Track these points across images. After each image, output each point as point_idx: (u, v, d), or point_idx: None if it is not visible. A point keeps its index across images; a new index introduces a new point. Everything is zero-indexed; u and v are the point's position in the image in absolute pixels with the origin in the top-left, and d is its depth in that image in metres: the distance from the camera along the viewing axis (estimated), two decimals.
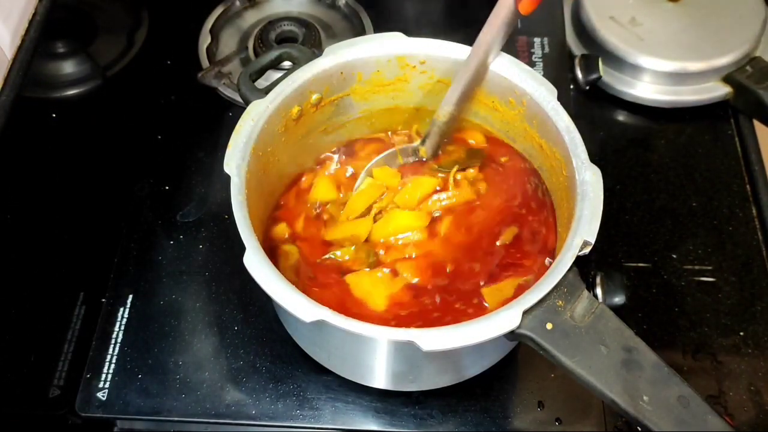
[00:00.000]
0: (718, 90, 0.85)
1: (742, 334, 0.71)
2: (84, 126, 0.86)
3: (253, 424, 0.66)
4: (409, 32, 0.68)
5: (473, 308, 0.61)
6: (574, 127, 0.62)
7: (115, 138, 0.85)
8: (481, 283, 0.63)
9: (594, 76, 0.86)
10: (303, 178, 0.71)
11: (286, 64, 0.71)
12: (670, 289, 0.74)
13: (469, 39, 0.66)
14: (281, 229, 0.67)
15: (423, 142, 0.70)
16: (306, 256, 0.65)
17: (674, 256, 0.76)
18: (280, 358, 0.69)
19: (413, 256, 0.65)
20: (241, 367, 0.68)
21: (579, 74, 0.87)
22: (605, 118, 0.88)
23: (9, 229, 0.77)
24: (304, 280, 0.63)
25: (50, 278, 0.75)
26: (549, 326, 0.53)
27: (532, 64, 0.89)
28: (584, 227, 0.56)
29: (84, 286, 0.74)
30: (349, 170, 0.71)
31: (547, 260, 0.63)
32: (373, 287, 0.63)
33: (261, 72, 0.68)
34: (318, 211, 0.68)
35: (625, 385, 0.51)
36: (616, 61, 0.86)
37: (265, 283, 0.54)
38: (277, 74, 0.68)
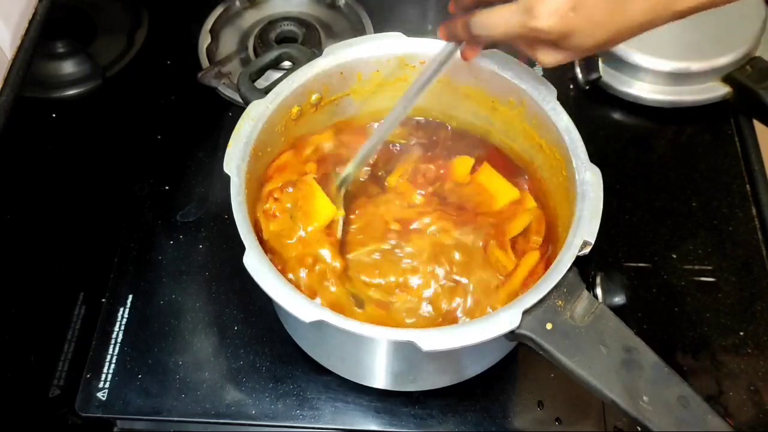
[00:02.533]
0: (718, 90, 0.85)
1: (742, 334, 0.71)
2: (84, 126, 0.86)
3: (253, 424, 0.66)
4: (409, 32, 0.68)
5: None
6: (574, 127, 0.62)
7: (115, 138, 0.85)
8: None
9: (594, 76, 0.86)
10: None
11: (286, 64, 0.71)
12: (670, 289, 0.74)
13: None
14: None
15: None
16: None
17: (674, 256, 0.76)
18: (280, 358, 0.69)
19: None
20: (241, 367, 0.68)
21: (579, 74, 0.87)
22: (605, 118, 0.88)
23: (9, 229, 0.77)
24: None
25: (50, 278, 0.75)
26: (549, 326, 0.53)
27: (532, 64, 0.89)
28: (584, 227, 0.56)
29: (84, 286, 0.74)
30: None
31: None
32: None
33: (261, 72, 0.68)
34: None
35: (625, 385, 0.51)
36: (616, 61, 0.86)
37: (264, 283, 0.54)
38: (277, 74, 0.68)
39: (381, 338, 0.54)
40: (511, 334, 0.53)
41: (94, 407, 0.66)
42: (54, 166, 0.82)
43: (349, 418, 0.66)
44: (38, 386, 0.68)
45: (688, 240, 0.77)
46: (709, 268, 0.75)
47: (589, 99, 0.88)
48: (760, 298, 0.73)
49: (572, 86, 0.87)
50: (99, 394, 0.67)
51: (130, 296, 0.72)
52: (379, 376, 0.65)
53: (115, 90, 0.89)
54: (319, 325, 0.52)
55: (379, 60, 0.68)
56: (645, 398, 0.50)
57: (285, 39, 0.91)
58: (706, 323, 0.72)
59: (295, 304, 0.53)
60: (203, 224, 0.77)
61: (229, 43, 0.93)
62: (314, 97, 0.67)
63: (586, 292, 0.54)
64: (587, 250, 0.55)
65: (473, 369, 0.66)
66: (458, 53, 0.60)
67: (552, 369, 0.66)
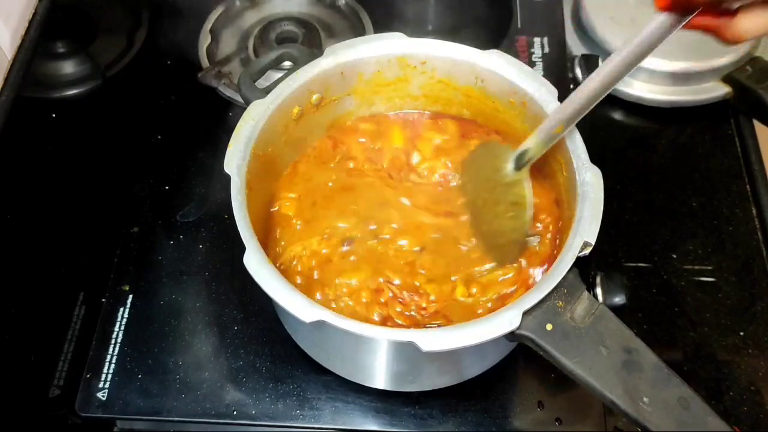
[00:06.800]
0: (718, 90, 0.85)
1: (742, 334, 0.71)
2: (84, 126, 0.86)
3: (253, 424, 0.66)
4: (409, 32, 0.68)
5: None
6: (575, 127, 0.62)
7: (115, 138, 0.85)
8: None
9: None
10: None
11: (287, 64, 0.71)
12: (670, 289, 0.74)
13: (469, 39, 0.66)
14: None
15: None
16: None
17: (674, 256, 0.76)
18: (280, 358, 0.69)
19: None
20: (241, 367, 0.68)
21: (579, 74, 0.87)
22: (605, 118, 0.88)
23: (9, 229, 0.77)
24: None
25: (50, 278, 0.75)
26: (549, 327, 0.53)
27: (532, 64, 0.89)
28: (584, 228, 0.56)
29: (84, 286, 0.74)
30: None
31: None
32: None
33: (261, 72, 0.68)
34: None
35: (625, 387, 0.51)
36: None
37: (264, 283, 0.54)
38: (278, 74, 0.68)
39: (381, 338, 0.54)
40: (512, 335, 0.53)
41: (94, 407, 0.66)
42: (54, 166, 0.82)
43: (349, 418, 0.66)
44: (38, 386, 0.68)
45: (688, 240, 0.77)
46: (709, 268, 0.75)
47: None
48: (760, 298, 0.73)
49: (572, 86, 0.87)
50: (99, 394, 0.67)
51: (130, 296, 0.72)
52: (379, 376, 0.65)
53: (115, 90, 0.89)
54: (320, 325, 0.52)
55: (380, 60, 0.68)
56: (645, 399, 0.50)
57: (285, 39, 0.91)
58: (706, 323, 0.72)
59: (296, 304, 0.53)
60: (203, 224, 0.77)
61: (229, 43, 0.93)
62: (315, 97, 0.67)
63: (586, 293, 0.54)
64: (588, 250, 0.55)
65: (473, 369, 0.66)
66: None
67: (552, 369, 0.66)
